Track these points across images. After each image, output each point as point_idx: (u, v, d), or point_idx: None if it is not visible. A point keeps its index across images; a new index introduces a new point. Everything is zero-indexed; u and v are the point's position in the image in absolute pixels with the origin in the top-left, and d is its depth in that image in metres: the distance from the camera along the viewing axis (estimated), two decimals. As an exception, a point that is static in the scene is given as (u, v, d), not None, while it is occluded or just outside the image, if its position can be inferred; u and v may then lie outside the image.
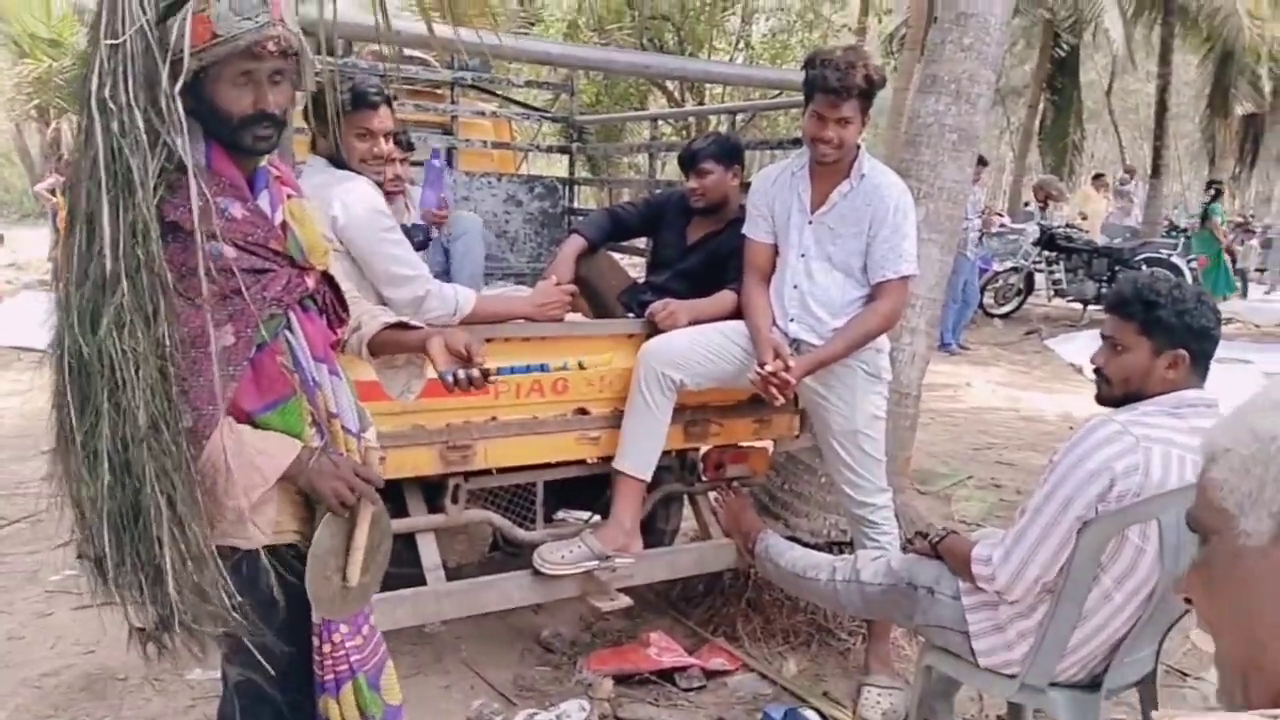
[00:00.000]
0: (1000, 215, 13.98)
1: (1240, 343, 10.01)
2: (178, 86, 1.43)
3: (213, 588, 1.47)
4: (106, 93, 1.39)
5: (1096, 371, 2.07)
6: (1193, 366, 1.98)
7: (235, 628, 1.49)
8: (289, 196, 1.71)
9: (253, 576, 1.56)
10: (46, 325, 1.47)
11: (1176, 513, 1.89)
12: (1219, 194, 13.89)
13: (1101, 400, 2.08)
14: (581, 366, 2.77)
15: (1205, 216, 13.36)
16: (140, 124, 1.40)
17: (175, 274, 1.44)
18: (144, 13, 1.41)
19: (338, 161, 2.62)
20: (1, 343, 8.67)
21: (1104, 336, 2.07)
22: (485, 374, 1.84)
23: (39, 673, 3.00)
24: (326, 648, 1.73)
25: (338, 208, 2.44)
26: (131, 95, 1.39)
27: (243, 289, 1.52)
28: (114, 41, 1.40)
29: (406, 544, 2.67)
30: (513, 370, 2.66)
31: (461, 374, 1.83)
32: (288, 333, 1.64)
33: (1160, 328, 1.96)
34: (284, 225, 1.66)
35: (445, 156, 4.43)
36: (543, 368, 2.72)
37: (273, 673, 1.58)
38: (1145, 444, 1.91)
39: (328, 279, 1.78)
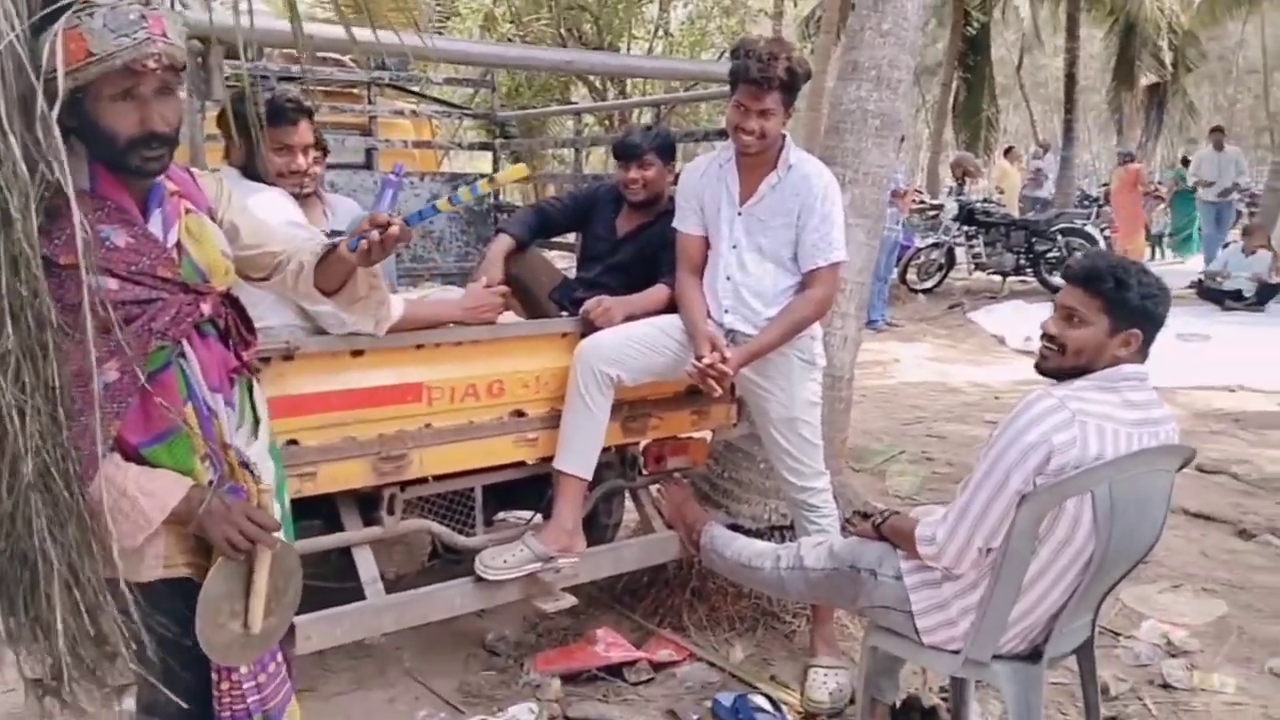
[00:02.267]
0: (920, 192, 14.28)
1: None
2: (55, 108, 1.34)
3: (110, 633, 1.41)
4: None
5: (1047, 339, 2.10)
6: (1140, 348, 2.04)
7: (139, 670, 1.44)
8: (187, 211, 1.64)
9: (148, 612, 1.48)
10: None
11: (1110, 484, 1.94)
12: (1186, 161, 14.59)
13: (1043, 369, 2.11)
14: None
15: (1180, 182, 14.09)
16: (16, 151, 1.31)
17: (57, 311, 1.36)
18: (13, 29, 1.32)
19: (251, 172, 2.54)
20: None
21: (1060, 305, 2.09)
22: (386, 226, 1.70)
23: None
24: (225, 685, 1.69)
25: None
26: (5, 120, 1.30)
27: (121, 325, 1.44)
28: None
29: (343, 557, 2.61)
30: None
31: (370, 236, 1.70)
32: (181, 360, 1.58)
33: (1124, 307, 2.00)
34: (179, 246, 1.59)
35: (367, 158, 4.34)
36: None
37: (185, 708, 1.54)
38: (1081, 418, 1.96)
39: (231, 300, 1.71)
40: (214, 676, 1.68)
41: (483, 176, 4.62)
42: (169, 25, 1.47)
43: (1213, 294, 10.19)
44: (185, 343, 1.59)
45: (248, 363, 1.74)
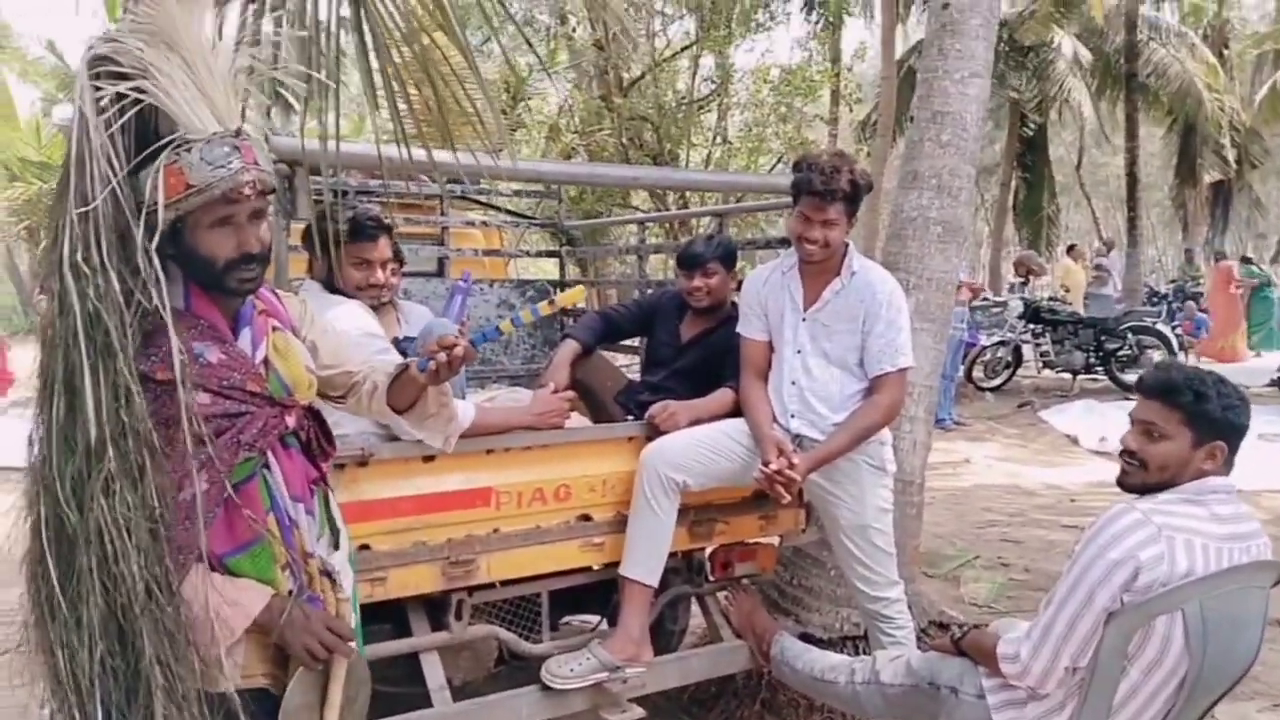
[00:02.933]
0: (983, 289, 14.22)
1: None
2: (155, 241, 1.43)
3: None
4: (79, 257, 1.39)
5: (1127, 454, 2.06)
6: (1226, 459, 1.99)
7: None
8: (274, 329, 1.71)
9: None
10: (21, 492, 1.44)
11: (1200, 602, 1.87)
12: (1246, 260, 15.23)
13: (1126, 485, 2.06)
14: None
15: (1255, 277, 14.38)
16: (115, 285, 1.40)
17: (151, 425, 1.43)
18: (114, 173, 1.42)
19: (331, 285, 2.65)
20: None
21: (1138, 420, 2.05)
22: (451, 348, 1.76)
23: (29, 819, 2.87)
24: None
25: None
26: (105, 257, 1.39)
27: (211, 438, 1.50)
28: (84, 209, 1.40)
29: (411, 662, 2.60)
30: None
31: (438, 359, 1.76)
32: (265, 471, 1.63)
33: (1206, 420, 1.96)
34: (266, 361, 1.66)
35: (439, 266, 4.48)
36: None
37: None
38: (1168, 532, 1.90)
39: (311, 413, 1.77)
40: None
41: (548, 289, 4.76)
42: (259, 154, 1.57)
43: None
44: (270, 454, 1.63)
45: (325, 474, 1.79)
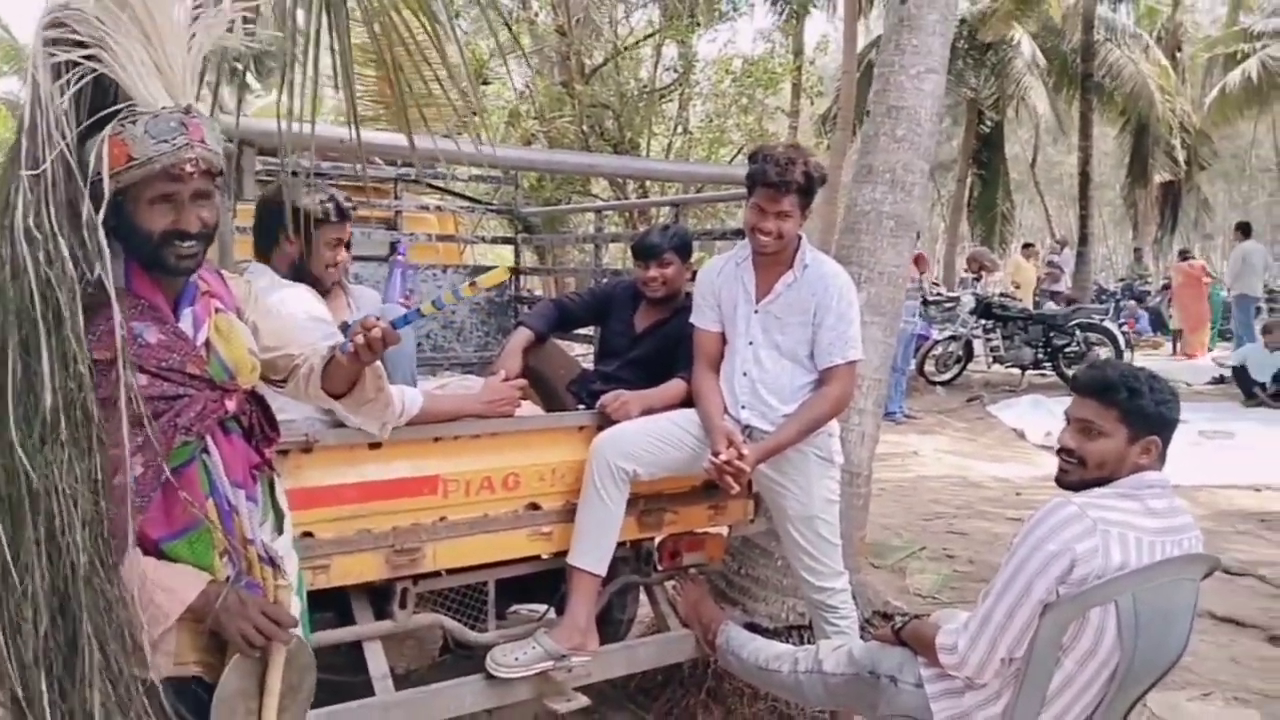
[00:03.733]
0: (937, 284, 14.41)
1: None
2: (101, 212, 1.41)
3: None
4: (31, 221, 1.37)
5: (1065, 453, 2.09)
6: (1160, 454, 2.03)
7: None
8: (217, 311, 1.68)
9: (156, 711, 1.47)
10: None
11: (1133, 594, 1.91)
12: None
13: (1065, 483, 2.10)
14: None
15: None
16: (65, 252, 1.38)
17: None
18: (63, 138, 1.40)
19: (300, 269, 2.66)
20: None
21: (1075, 419, 2.08)
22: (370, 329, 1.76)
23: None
24: None
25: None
26: (55, 223, 1.38)
27: (149, 420, 1.48)
28: (34, 171, 1.39)
29: (354, 650, 2.58)
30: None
31: (356, 340, 1.76)
32: (204, 456, 1.61)
33: (1140, 416, 2.00)
34: (208, 344, 1.63)
35: (391, 250, 4.43)
36: None
37: None
38: (1103, 526, 1.93)
39: (254, 397, 1.74)
40: None
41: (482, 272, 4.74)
42: (207, 132, 1.53)
43: (1243, 382, 10.18)
44: (209, 439, 1.61)
45: (269, 459, 1.76)
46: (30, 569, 1.34)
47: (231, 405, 1.64)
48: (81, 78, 1.44)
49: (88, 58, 1.45)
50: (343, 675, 2.55)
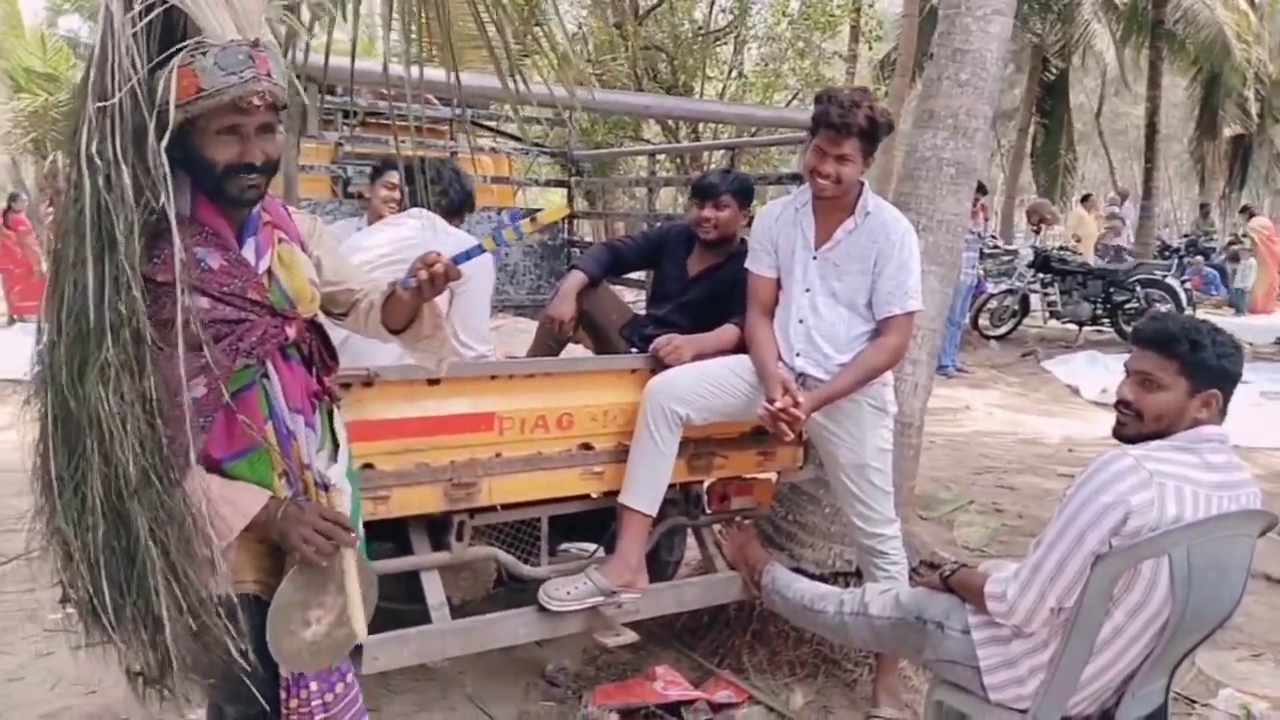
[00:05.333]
0: (994, 236, 14.12)
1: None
2: (164, 140, 1.44)
3: (210, 633, 1.48)
4: (94, 148, 1.41)
5: (1123, 405, 2.07)
6: (1220, 408, 2.00)
7: (231, 670, 1.49)
8: (280, 240, 1.71)
9: (225, 617, 1.53)
10: (32, 370, 1.48)
11: (1188, 548, 1.90)
12: (1246, 210, 14.79)
13: (1122, 435, 2.08)
14: None
15: None
16: (126, 179, 1.41)
17: (152, 327, 1.45)
18: (135, 71, 1.43)
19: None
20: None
21: (1134, 371, 2.06)
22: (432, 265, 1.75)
23: (39, 713, 2.97)
24: (294, 703, 1.73)
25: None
26: (119, 151, 1.41)
27: (210, 343, 1.53)
28: (104, 103, 1.42)
29: (411, 581, 2.66)
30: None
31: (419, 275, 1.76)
32: (264, 380, 1.65)
33: (1202, 369, 1.97)
34: (269, 272, 1.67)
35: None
36: None
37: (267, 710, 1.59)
38: (1159, 479, 1.92)
39: (315, 327, 1.78)
40: (282, 694, 1.72)
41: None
42: (274, 66, 1.56)
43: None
44: (269, 364, 1.66)
45: (329, 388, 1.81)
46: (86, 480, 1.41)
47: (291, 332, 1.69)
48: (151, 8, 1.47)
49: None
50: (401, 604, 2.64)
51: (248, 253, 1.65)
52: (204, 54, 1.49)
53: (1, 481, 5.35)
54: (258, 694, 1.58)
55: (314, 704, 1.74)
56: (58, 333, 1.43)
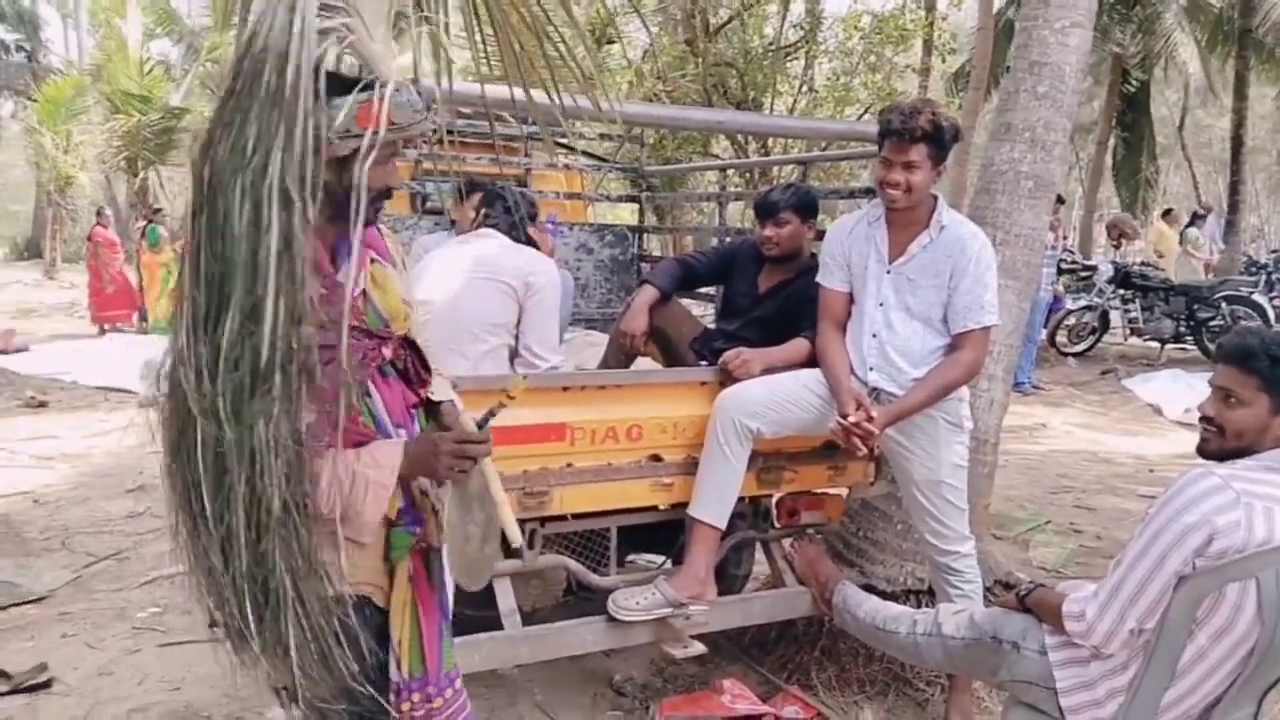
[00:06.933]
0: (1071, 251, 13.79)
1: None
2: (366, 163, 1.46)
3: (332, 655, 1.52)
4: (289, 182, 1.37)
5: (1205, 420, 2.04)
6: None
7: (354, 694, 1.54)
8: (372, 261, 1.74)
9: (343, 630, 1.56)
10: (162, 401, 1.47)
11: (1277, 571, 1.84)
12: None
13: (1205, 451, 2.04)
14: None
15: None
16: (310, 216, 1.39)
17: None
18: (318, 101, 1.41)
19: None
20: (90, 383, 9.03)
21: (1217, 386, 2.02)
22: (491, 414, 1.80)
23: (128, 709, 3.09)
24: (405, 706, 1.75)
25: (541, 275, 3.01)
26: (312, 186, 1.39)
27: (320, 368, 1.50)
28: (293, 132, 1.38)
29: (484, 588, 2.70)
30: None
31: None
32: (366, 400, 1.68)
33: None
34: (364, 294, 1.68)
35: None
36: None
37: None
38: (1247, 499, 1.86)
39: (409, 343, 1.80)
40: (392, 698, 1.74)
41: (625, 234, 4.79)
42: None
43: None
44: (370, 384, 1.68)
45: (425, 398, 1.85)
46: (232, 510, 1.41)
47: (388, 353, 1.72)
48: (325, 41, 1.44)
49: (344, 24, 1.47)
50: (473, 610, 2.69)
51: (342, 276, 1.64)
52: (396, 91, 1.51)
53: (94, 486, 5.65)
54: (375, 694, 1.62)
55: (419, 713, 1.76)
56: (215, 361, 1.38)
